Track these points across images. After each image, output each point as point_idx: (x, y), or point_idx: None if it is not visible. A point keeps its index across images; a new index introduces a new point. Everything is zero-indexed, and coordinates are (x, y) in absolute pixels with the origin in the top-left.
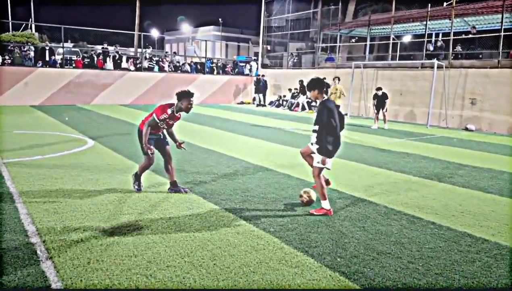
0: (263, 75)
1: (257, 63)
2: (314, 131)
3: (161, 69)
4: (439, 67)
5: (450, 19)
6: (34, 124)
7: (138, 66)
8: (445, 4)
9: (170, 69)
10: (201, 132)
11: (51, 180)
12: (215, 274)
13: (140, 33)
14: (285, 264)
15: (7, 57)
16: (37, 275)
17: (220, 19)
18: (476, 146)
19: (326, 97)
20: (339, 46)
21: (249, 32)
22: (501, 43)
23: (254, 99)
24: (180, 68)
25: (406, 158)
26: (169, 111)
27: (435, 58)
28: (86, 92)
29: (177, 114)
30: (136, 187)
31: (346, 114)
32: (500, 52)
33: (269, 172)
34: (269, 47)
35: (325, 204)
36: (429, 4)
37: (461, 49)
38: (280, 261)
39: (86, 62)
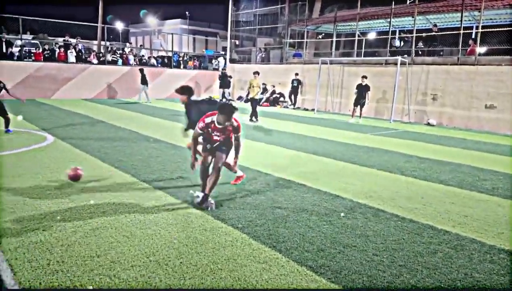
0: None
1: (225, 58)
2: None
3: (125, 63)
4: (402, 63)
5: (413, 17)
6: None
7: (101, 59)
8: (408, 2)
9: (135, 63)
10: (169, 128)
11: (7, 179)
12: (181, 272)
13: (103, 25)
14: (253, 260)
15: None
16: None
17: (187, 12)
18: (437, 140)
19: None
20: (306, 42)
21: (217, 26)
22: (461, 41)
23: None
24: (146, 62)
25: (370, 152)
26: None
27: (399, 55)
28: (47, 87)
29: None
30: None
31: (313, 109)
32: (460, 50)
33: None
34: (237, 42)
35: (239, 172)
36: (393, 2)
37: (423, 46)
38: (248, 257)
39: (46, 55)
